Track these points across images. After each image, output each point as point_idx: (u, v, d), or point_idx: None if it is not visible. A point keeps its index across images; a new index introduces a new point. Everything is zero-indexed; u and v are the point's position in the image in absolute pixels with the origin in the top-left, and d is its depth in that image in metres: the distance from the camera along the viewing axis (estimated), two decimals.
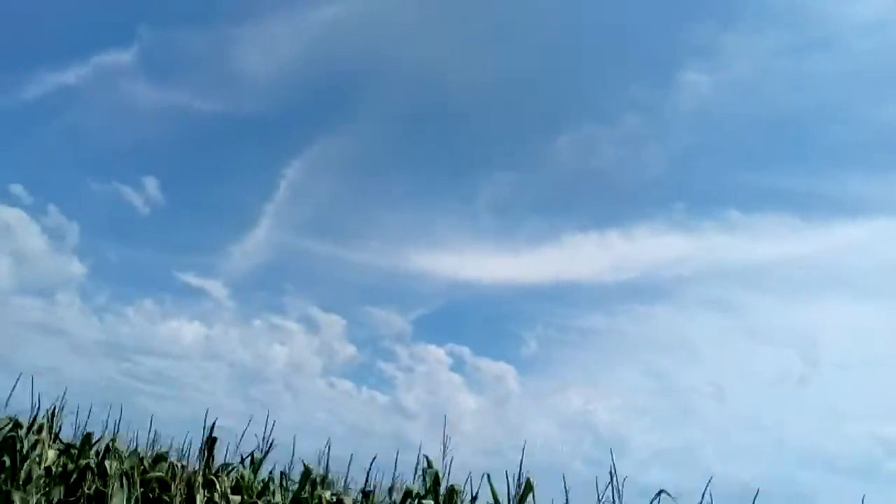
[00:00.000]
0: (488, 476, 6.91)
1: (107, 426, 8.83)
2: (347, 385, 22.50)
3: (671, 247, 24.20)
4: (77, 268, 24.45)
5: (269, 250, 26.87)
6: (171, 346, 24.37)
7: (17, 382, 8.55)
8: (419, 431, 20.18)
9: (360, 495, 7.81)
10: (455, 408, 21.76)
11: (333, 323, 24.39)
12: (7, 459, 7.88)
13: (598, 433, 19.29)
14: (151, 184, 25.50)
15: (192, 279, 25.31)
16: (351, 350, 23.89)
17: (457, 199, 28.01)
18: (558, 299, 25.34)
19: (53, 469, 8.30)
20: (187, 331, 24.67)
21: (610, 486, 6.30)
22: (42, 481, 7.93)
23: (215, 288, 25.19)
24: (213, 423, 8.48)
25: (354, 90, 28.11)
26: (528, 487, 6.72)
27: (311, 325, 24.90)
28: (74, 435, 9.06)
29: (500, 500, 6.81)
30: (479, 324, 25.79)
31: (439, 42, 26.53)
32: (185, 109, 27.24)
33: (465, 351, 22.70)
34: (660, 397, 21.84)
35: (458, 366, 22.78)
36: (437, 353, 22.96)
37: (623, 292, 24.54)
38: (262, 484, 8.45)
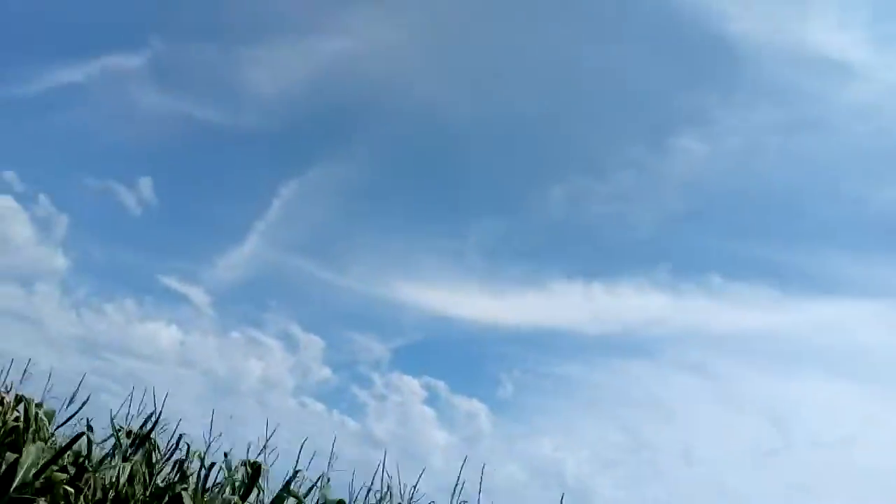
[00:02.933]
0: None
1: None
2: (319, 407, 22.31)
3: (653, 306, 24.56)
4: (61, 260, 23.90)
5: (255, 265, 26.90)
6: (146, 347, 23.74)
7: None
8: (386, 462, 19.80)
9: None
10: (425, 441, 21.59)
11: (312, 343, 24.33)
12: None
13: (564, 482, 19.22)
14: (146, 185, 25.40)
15: (175, 284, 24.66)
16: (326, 372, 23.80)
17: (446, 235, 28.30)
18: (538, 345, 25.44)
19: None
20: (164, 335, 24.07)
21: None
22: None
23: (197, 295, 24.83)
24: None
25: (356, 120, 28.75)
26: None
27: (291, 343, 24.77)
28: None
29: None
30: (458, 361, 25.80)
31: (442, 80, 27.33)
32: (188, 118, 27.43)
33: (441, 385, 22.66)
34: (628, 453, 21.80)
35: (432, 399, 22.70)
36: (412, 385, 22.87)
37: (602, 345, 24.76)
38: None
